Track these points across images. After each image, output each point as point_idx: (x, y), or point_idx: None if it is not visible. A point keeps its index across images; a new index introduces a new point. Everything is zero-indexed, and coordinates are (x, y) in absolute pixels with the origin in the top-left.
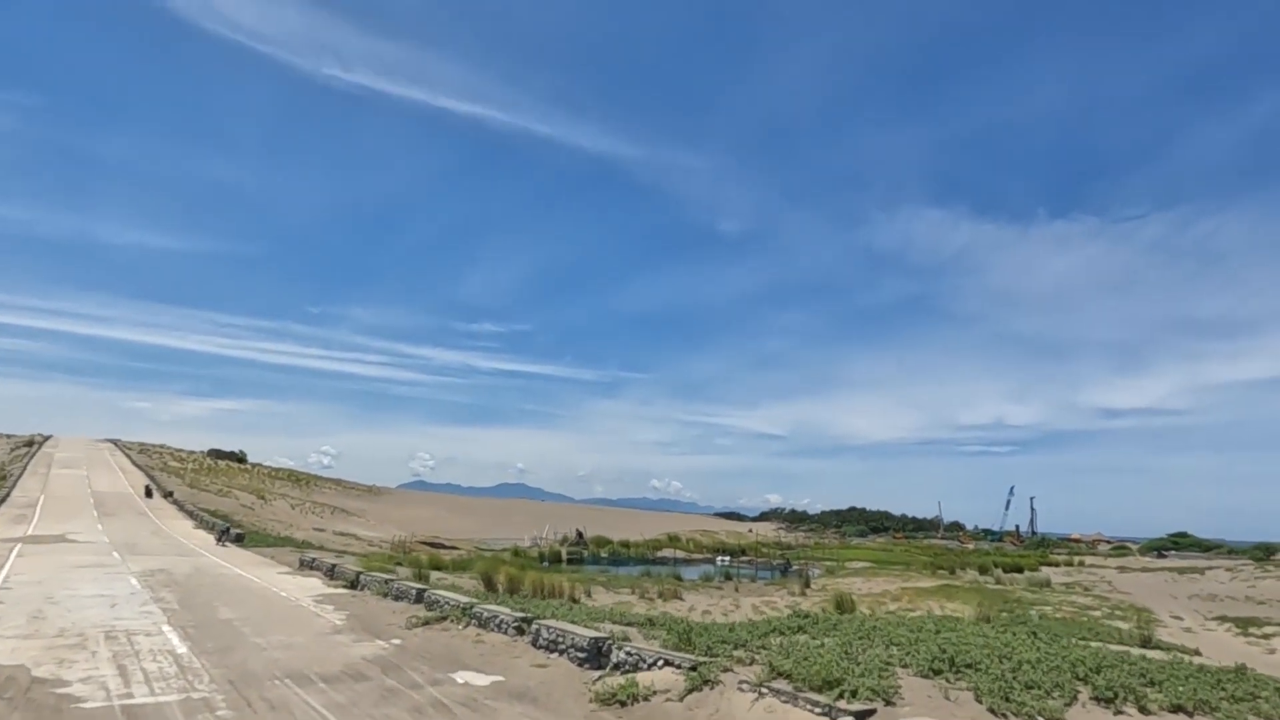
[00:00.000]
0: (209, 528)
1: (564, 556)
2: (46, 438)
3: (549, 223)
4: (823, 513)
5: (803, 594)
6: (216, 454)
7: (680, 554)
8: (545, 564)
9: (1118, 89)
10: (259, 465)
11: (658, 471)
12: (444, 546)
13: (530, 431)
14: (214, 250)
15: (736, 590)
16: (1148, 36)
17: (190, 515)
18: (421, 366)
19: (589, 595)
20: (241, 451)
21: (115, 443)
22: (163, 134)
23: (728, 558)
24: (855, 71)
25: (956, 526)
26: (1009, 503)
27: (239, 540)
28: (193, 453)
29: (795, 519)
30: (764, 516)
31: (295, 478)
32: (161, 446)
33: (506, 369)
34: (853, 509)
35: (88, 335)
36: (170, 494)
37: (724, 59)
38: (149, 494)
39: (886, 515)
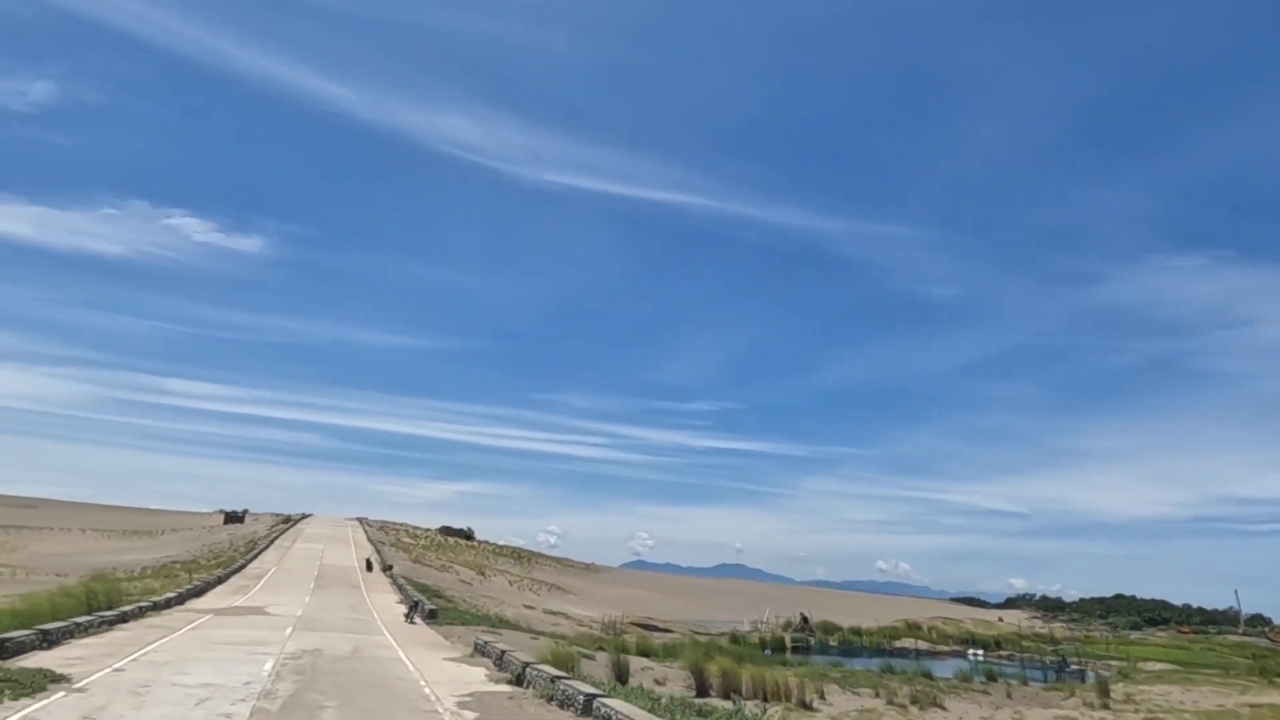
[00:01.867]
0: (408, 602)
1: (788, 644)
2: (305, 516)
3: (751, 302)
4: (1082, 600)
5: (1104, 706)
6: (447, 531)
7: (923, 645)
8: (767, 652)
9: None
10: (485, 542)
11: (881, 552)
12: (656, 628)
13: (745, 510)
14: (448, 347)
15: (1009, 696)
16: None
17: (399, 589)
18: (636, 447)
19: (821, 696)
20: (469, 528)
21: (360, 520)
22: (401, 249)
23: (980, 651)
24: (1063, 123)
25: (1260, 620)
26: None
27: (431, 616)
28: (426, 530)
29: (1048, 606)
30: (1011, 603)
31: (518, 554)
32: (401, 524)
33: (718, 447)
34: (1119, 596)
35: (344, 426)
36: (390, 568)
37: (919, 123)
38: (369, 568)
39: (1164, 605)
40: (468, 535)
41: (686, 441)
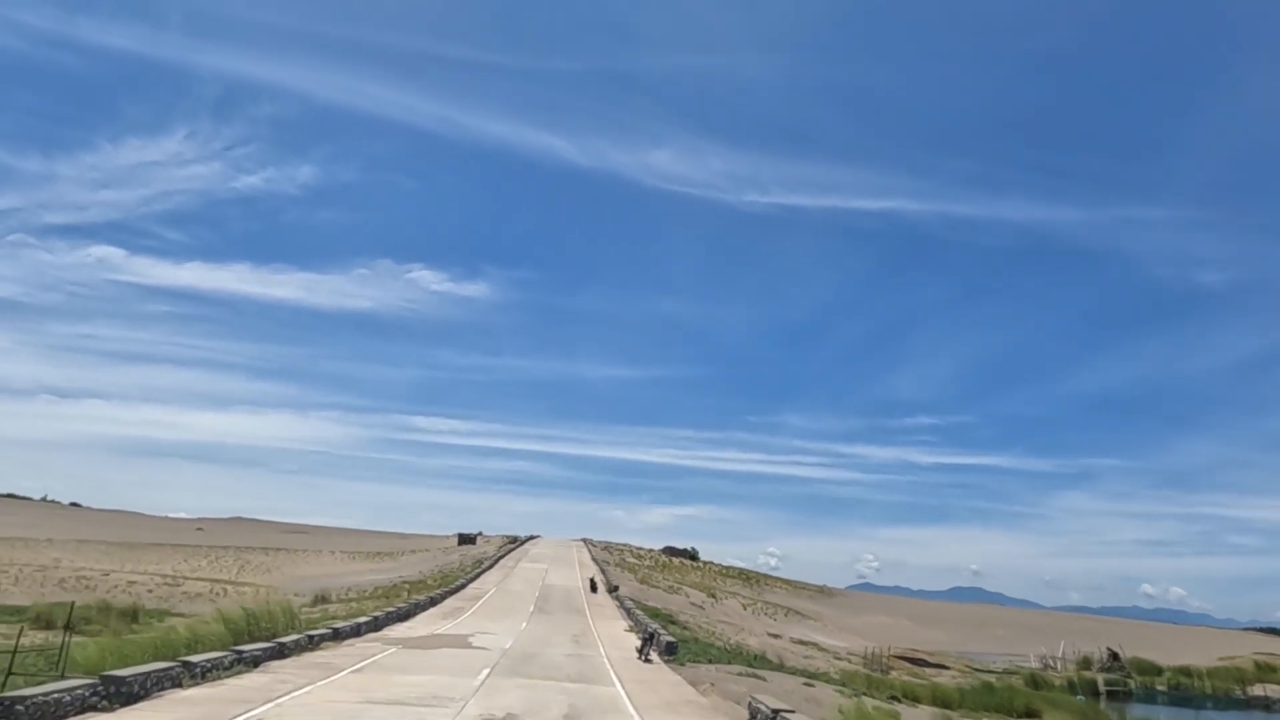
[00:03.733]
0: (639, 631)
1: (1101, 688)
2: (532, 537)
3: (981, 307)
4: None
5: None
6: (670, 551)
7: (1266, 692)
8: (1081, 698)
9: None
10: (709, 563)
11: (1149, 575)
12: (926, 663)
13: (981, 530)
14: (666, 375)
15: None
16: None
17: (627, 615)
18: (859, 465)
19: None
20: (693, 549)
21: (585, 541)
22: (620, 284)
23: None
24: None
25: None
26: None
27: (670, 651)
28: (650, 550)
29: None
30: None
31: (745, 576)
32: (624, 545)
33: (948, 463)
34: None
35: (571, 455)
36: (615, 589)
37: (1172, 91)
38: (593, 589)
39: None
40: (692, 556)
41: (911, 458)
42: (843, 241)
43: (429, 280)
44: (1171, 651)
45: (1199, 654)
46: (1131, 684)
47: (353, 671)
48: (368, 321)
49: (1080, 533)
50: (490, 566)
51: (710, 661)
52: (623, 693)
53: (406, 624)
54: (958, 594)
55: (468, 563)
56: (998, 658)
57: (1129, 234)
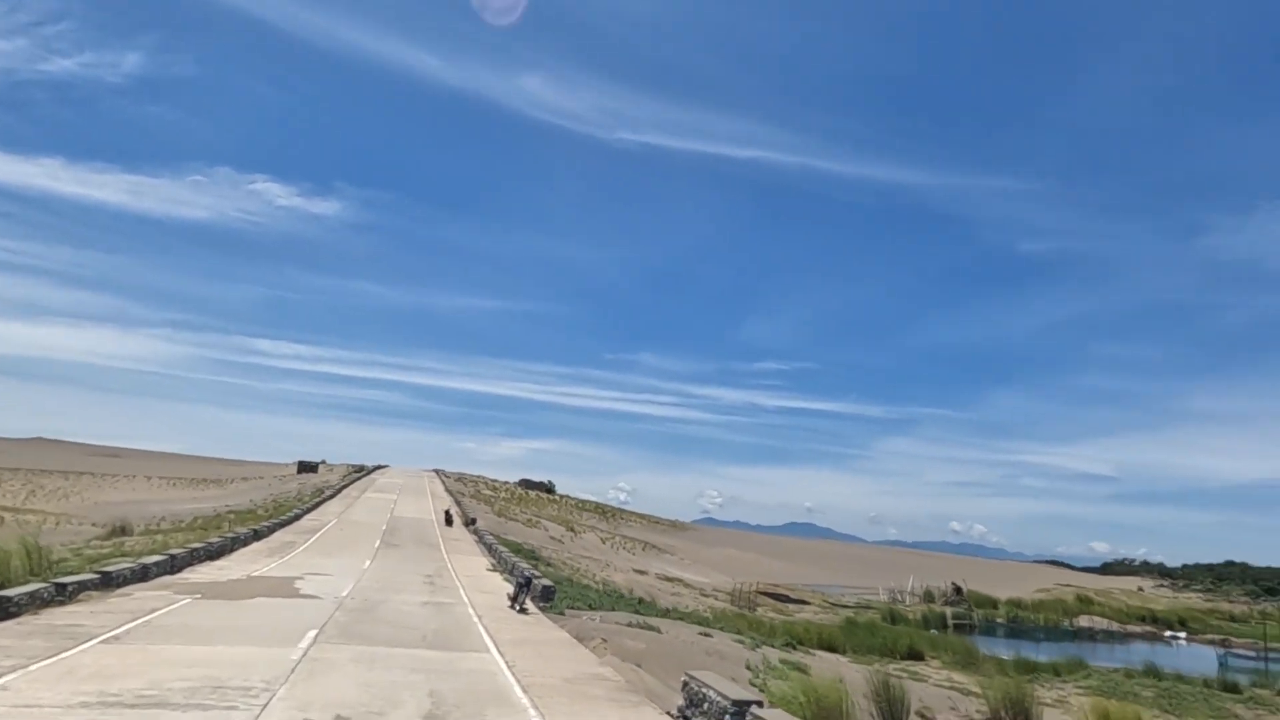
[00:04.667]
0: (508, 571)
1: (949, 621)
2: (380, 466)
3: (835, 261)
4: (1186, 566)
5: None
6: (527, 484)
7: (1104, 623)
8: (934, 632)
9: None
10: (566, 497)
11: (957, 514)
12: (789, 599)
13: (819, 471)
14: (526, 309)
15: None
16: None
17: (489, 551)
18: (709, 406)
19: None
20: (550, 482)
21: (438, 471)
22: (482, 212)
23: (1182, 635)
24: (1192, 66)
25: None
26: None
27: (548, 598)
28: (505, 483)
29: (1157, 573)
30: (1109, 569)
31: (601, 510)
32: (479, 477)
33: (792, 407)
34: (1230, 564)
35: (427, 385)
36: (473, 522)
37: (1028, 72)
38: (448, 521)
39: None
40: (549, 489)
41: (759, 401)
42: (711, 187)
43: (275, 194)
44: (990, 584)
45: (1015, 586)
46: (974, 618)
47: (104, 641)
48: (203, 233)
49: (901, 474)
50: (332, 496)
51: (590, 607)
52: (502, 664)
53: (217, 564)
54: (792, 529)
55: (307, 492)
56: (845, 590)
57: (979, 203)
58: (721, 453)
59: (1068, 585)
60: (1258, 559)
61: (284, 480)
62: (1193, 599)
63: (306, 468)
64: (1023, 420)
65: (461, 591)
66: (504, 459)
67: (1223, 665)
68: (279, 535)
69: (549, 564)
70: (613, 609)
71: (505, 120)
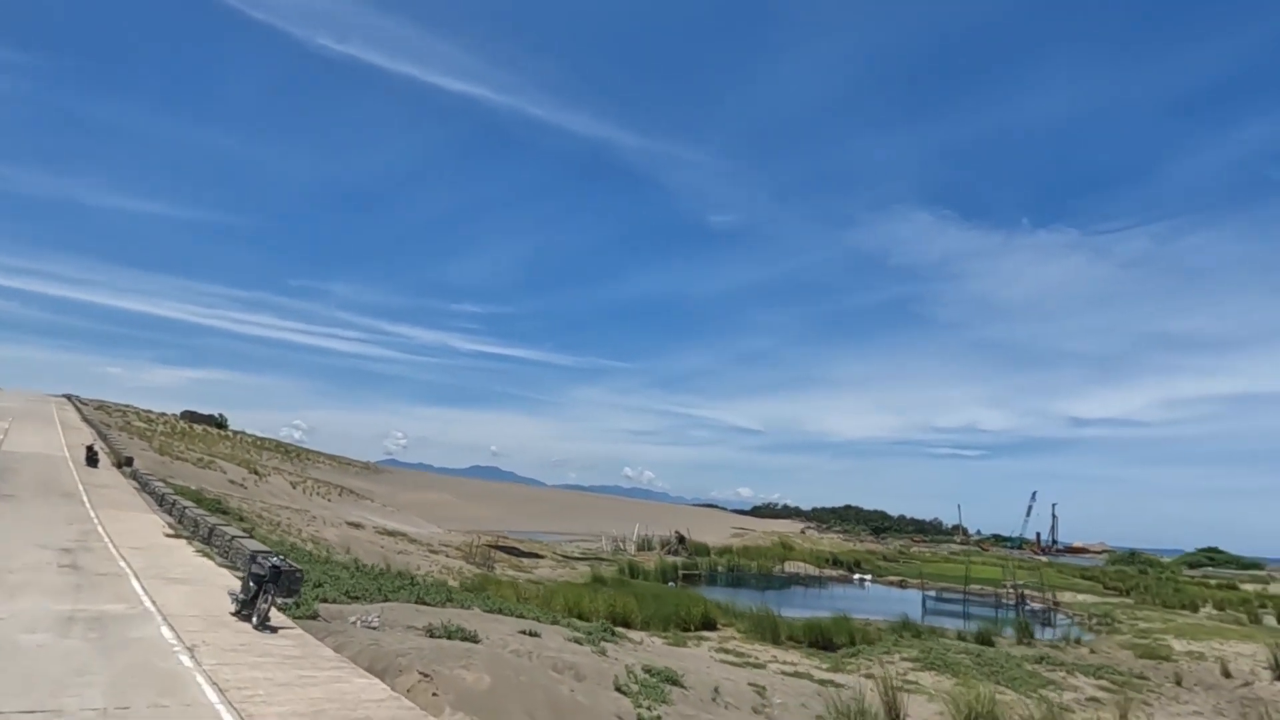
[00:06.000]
0: (203, 540)
1: (679, 572)
2: None
3: (539, 208)
4: (815, 510)
5: None
6: (192, 417)
7: (805, 569)
8: (672, 584)
9: (1112, 104)
10: (241, 433)
11: (631, 460)
12: (522, 553)
13: (508, 415)
14: (197, 219)
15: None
16: (1146, 55)
17: (160, 503)
18: (401, 345)
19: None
20: (221, 415)
21: (70, 398)
22: (159, 99)
23: (868, 577)
24: (859, 74)
25: (958, 530)
26: (1030, 509)
27: (290, 590)
28: (163, 414)
29: (791, 515)
30: (758, 511)
31: (284, 449)
32: (127, 406)
33: (487, 351)
34: (849, 507)
35: (60, 297)
36: (129, 461)
37: (729, 55)
38: (91, 460)
39: (884, 515)
40: (220, 424)
41: (454, 343)
42: (418, 114)
43: None
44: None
45: (700, 531)
46: (700, 568)
47: None
48: None
49: (585, 420)
50: None
51: (350, 596)
52: None
53: None
54: (476, 471)
55: None
56: (562, 538)
57: (671, 169)
58: (409, 391)
59: (744, 530)
60: (865, 503)
61: None
62: (836, 539)
63: None
64: (695, 376)
65: (135, 582)
66: (158, 389)
67: (926, 610)
68: None
69: (242, 518)
70: (384, 597)
71: (201, 2)
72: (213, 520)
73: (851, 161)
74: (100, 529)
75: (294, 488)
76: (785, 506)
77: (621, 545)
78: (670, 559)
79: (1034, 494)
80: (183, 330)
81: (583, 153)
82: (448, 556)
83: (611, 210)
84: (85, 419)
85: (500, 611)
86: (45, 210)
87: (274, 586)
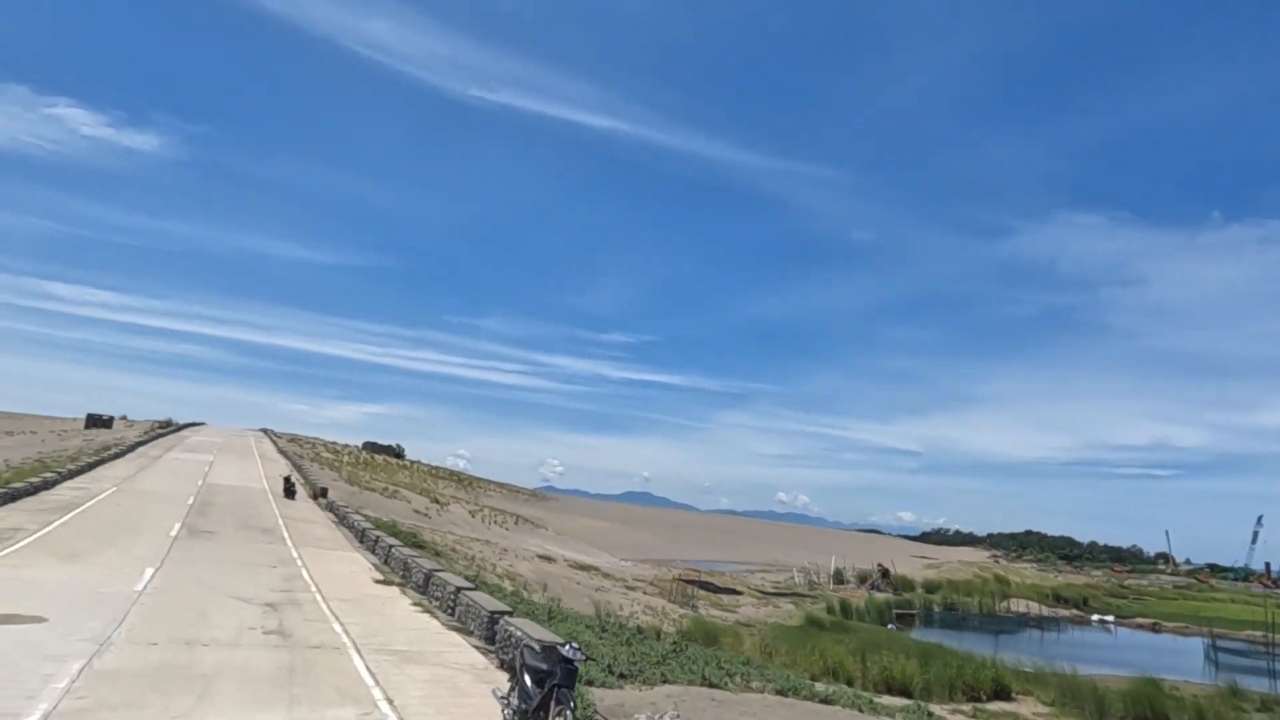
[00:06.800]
0: (410, 585)
1: (893, 611)
2: (193, 424)
3: (673, 234)
4: (991, 535)
5: None
6: (373, 447)
7: (1030, 608)
8: (891, 626)
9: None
10: (417, 462)
11: (783, 484)
12: (718, 588)
13: (656, 441)
14: (361, 264)
15: None
16: None
17: (361, 539)
18: (553, 375)
19: None
20: (399, 446)
21: (266, 431)
22: (317, 157)
23: (1110, 617)
24: (988, 77)
25: (1164, 559)
26: (1256, 535)
27: (568, 680)
28: (348, 446)
29: (967, 541)
30: (928, 537)
31: (457, 478)
32: (315, 439)
33: (635, 379)
34: (1030, 533)
35: (251, 342)
36: (324, 492)
37: (850, 68)
38: (289, 492)
39: (1070, 541)
40: (398, 453)
41: (603, 371)
42: (554, 150)
43: (80, 121)
44: (851, 555)
45: (890, 561)
46: (916, 606)
47: None
48: None
49: (734, 445)
50: (118, 455)
51: (619, 675)
52: None
53: None
54: (630, 497)
55: (92, 450)
56: (740, 567)
57: (800, 186)
58: (561, 420)
59: (928, 558)
60: (1043, 527)
61: (64, 437)
62: (1029, 569)
63: (99, 422)
64: (841, 397)
65: (356, 659)
66: (337, 423)
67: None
68: (3, 512)
69: (439, 553)
70: (662, 677)
71: (348, 62)
72: (427, 564)
73: (993, 167)
74: (305, 573)
75: (473, 516)
76: (958, 532)
77: (815, 578)
78: (878, 595)
79: (1260, 519)
80: (355, 368)
81: (713, 178)
82: (645, 594)
83: (741, 232)
84: (281, 451)
85: (797, 692)
86: (234, 265)
87: (568, 692)
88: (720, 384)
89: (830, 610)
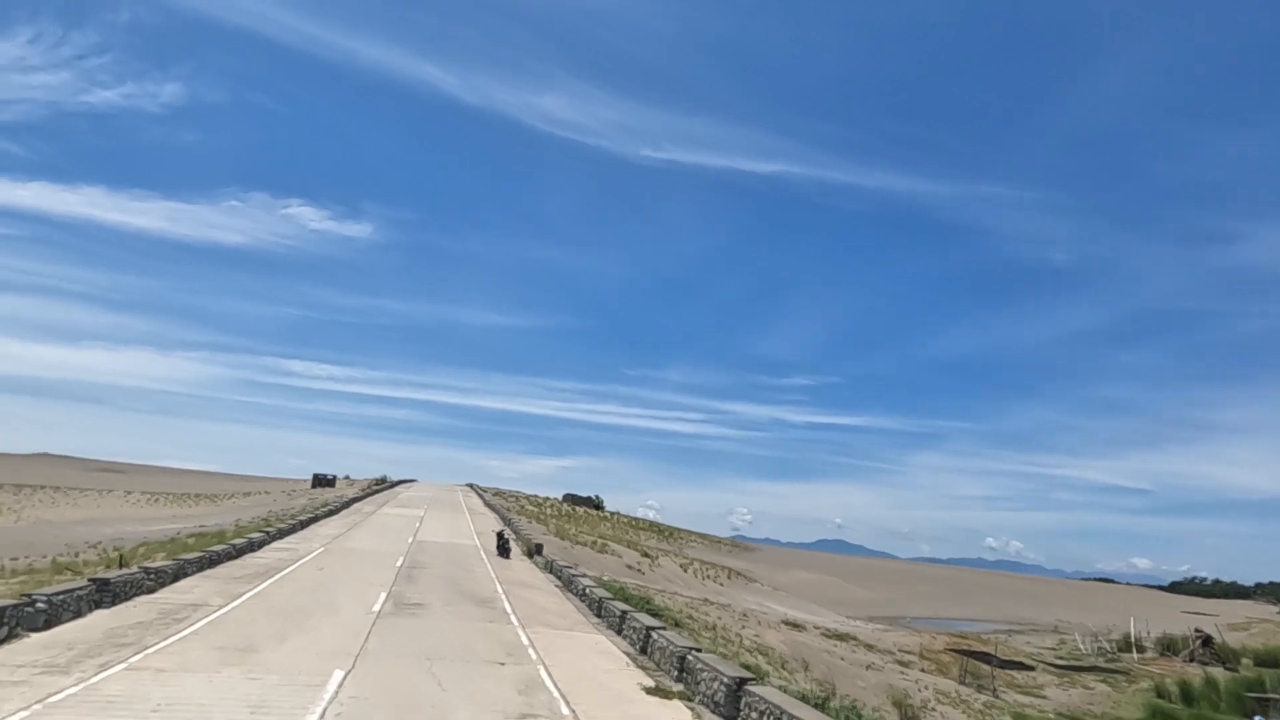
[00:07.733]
0: (699, 696)
1: (1253, 697)
2: (406, 480)
3: (849, 272)
4: (1260, 585)
5: None
6: (573, 499)
7: None
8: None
9: None
10: (617, 514)
11: (990, 529)
12: (1006, 662)
13: (844, 486)
14: (545, 324)
15: None
16: None
17: (598, 612)
18: (734, 422)
19: None
20: (598, 497)
21: (471, 486)
22: (503, 229)
23: None
24: (1194, 70)
25: None
26: None
27: None
28: (549, 498)
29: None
30: (1177, 587)
31: (657, 529)
32: (516, 492)
33: (816, 422)
34: None
35: (447, 403)
36: (539, 549)
37: (1032, 79)
38: (503, 549)
39: None
40: (597, 505)
41: (784, 416)
42: (723, 200)
43: (308, 217)
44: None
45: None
46: (1266, 683)
47: None
48: (238, 257)
49: (929, 488)
50: (332, 513)
51: None
52: None
53: None
54: (824, 545)
55: (312, 507)
56: (985, 627)
57: (984, 210)
58: (745, 467)
59: (1200, 613)
60: None
61: (292, 495)
62: None
63: (323, 482)
64: (1047, 432)
65: None
66: (532, 476)
67: None
68: (188, 583)
69: (677, 622)
70: None
71: (525, 137)
72: (726, 672)
73: (1216, 166)
74: (544, 673)
75: (684, 570)
76: (1217, 582)
77: (1105, 645)
78: (1210, 670)
79: None
80: (546, 424)
81: (883, 209)
82: (923, 670)
83: (923, 264)
84: (488, 504)
85: None
86: (434, 334)
87: None
88: (911, 424)
89: (1163, 695)
